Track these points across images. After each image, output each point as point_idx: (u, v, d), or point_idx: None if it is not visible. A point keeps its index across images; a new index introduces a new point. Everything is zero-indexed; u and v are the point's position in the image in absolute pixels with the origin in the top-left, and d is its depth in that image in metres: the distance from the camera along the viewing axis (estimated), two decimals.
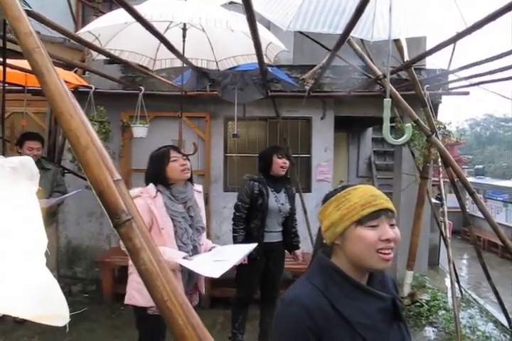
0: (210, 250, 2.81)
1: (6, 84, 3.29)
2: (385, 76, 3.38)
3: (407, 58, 2.91)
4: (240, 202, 3.71)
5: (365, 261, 1.20)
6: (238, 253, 2.73)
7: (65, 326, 0.90)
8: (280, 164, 3.67)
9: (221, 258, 2.58)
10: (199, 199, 2.82)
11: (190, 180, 2.77)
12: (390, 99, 2.09)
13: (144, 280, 0.85)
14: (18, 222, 0.98)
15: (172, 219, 2.56)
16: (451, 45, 3.81)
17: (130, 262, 2.60)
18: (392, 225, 1.22)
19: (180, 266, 2.42)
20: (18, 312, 0.84)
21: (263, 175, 3.72)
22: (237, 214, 3.71)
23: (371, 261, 1.19)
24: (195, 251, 2.65)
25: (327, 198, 1.32)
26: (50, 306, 0.88)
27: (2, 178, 1.04)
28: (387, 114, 2.06)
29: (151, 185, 2.62)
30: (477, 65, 3.07)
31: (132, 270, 2.63)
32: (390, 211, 1.22)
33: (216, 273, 2.33)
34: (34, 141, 4.12)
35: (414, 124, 3.47)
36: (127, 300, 2.63)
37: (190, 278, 2.67)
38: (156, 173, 2.61)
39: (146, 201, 2.51)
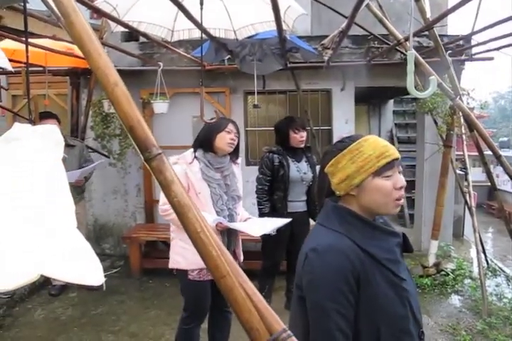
0: (245, 221, 2.89)
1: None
2: (405, 39, 3.31)
3: (429, 15, 2.83)
4: (262, 174, 3.72)
5: (381, 209, 1.29)
6: (270, 225, 2.80)
7: (101, 289, 0.93)
8: (298, 138, 3.64)
9: (250, 227, 2.67)
10: (237, 171, 2.89)
11: (236, 154, 2.85)
12: (413, 52, 2.05)
13: (176, 212, 0.87)
14: (50, 186, 1.00)
15: (207, 185, 2.63)
16: (476, 6, 3.70)
17: (172, 228, 2.74)
18: (399, 172, 1.30)
19: (217, 228, 2.54)
20: (57, 274, 0.86)
21: (282, 147, 3.71)
22: (259, 187, 3.72)
23: (387, 208, 1.28)
24: (231, 219, 2.71)
25: (333, 150, 1.34)
26: (86, 267, 0.90)
27: (34, 143, 1.07)
28: (410, 68, 2.02)
29: (188, 152, 2.72)
30: (497, 24, 2.96)
31: (174, 236, 2.72)
32: (398, 159, 1.29)
33: (257, 233, 2.53)
34: (49, 119, 4.20)
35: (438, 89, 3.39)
36: (171, 265, 2.73)
37: (229, 244, 2.73)
38: (206, 138, 2.70)
39: (182, 167, 2.61)
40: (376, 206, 1.28)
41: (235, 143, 2.74)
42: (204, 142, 2.70)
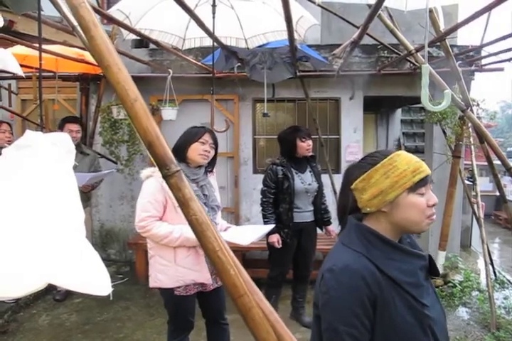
0: (225, 230, 2.82)
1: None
2: (417, 50, 3.30)
3: (442, 27, 2.82)
4: (266, 187, 3.67)
5: (414, 226, 1.26)
6: (255, 232, 2.73)
7: (108, 296, 0.92)
8: (305, 147, 3.60)
9: (237, 237, 2.62)
10: (213, 181, 2.79)
11: (212, 165, 2.75)
12: (427, 65, 2.04)
13: (194, 230, 0.86)
14: (60, 194, 1.00)
15: None
16: (485, 19, 3.71)
17: (149, 245, 2.64)
18: (431, 189, 1.28)
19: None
20: (66, 283, 0.85)
21: (286, 158, 3.68)
22: (264, 200, 3.67)
23: (420, 225, 1.25)
24: None
25: (362, 164, 1.31)
26: (94, 276, 0.89)
27: (45, 150, 1.07)
28: (425, 81, 2.01)
29: None
30: (509, 37, 2.97)
31: (153, 253, 2.61)
32: (429, 176, 1.27)
33: (246, 242, 2.45)
34: (74, 123, 4.27)
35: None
36: (152, 284, 2.61)
37: None
38: (179, 147, 2.58)
39: (157, 180, 2.46)
40: (409, 223, 1.24)
41: (210, 154, 2.60)
42: (177, 152, 2.55)
